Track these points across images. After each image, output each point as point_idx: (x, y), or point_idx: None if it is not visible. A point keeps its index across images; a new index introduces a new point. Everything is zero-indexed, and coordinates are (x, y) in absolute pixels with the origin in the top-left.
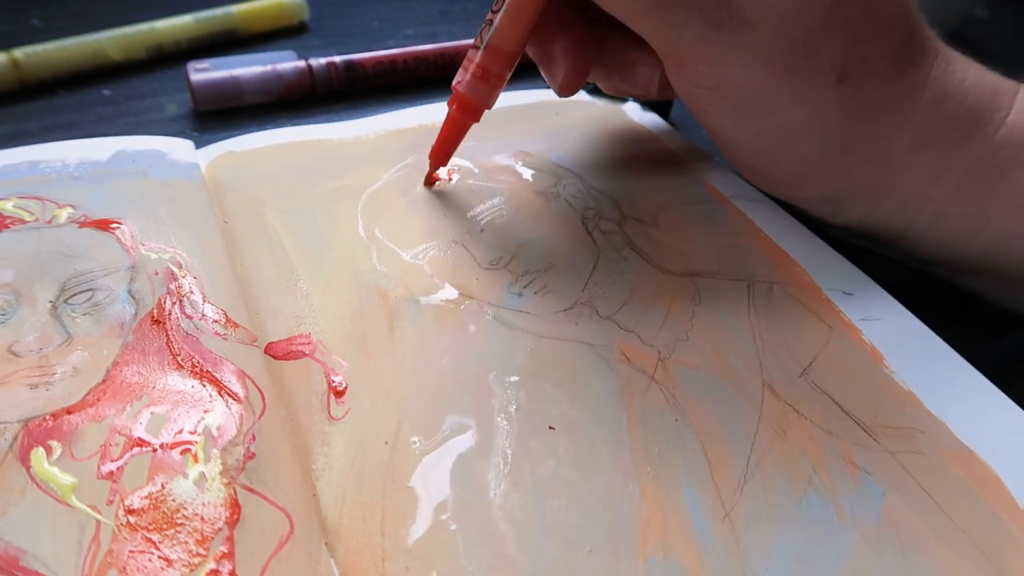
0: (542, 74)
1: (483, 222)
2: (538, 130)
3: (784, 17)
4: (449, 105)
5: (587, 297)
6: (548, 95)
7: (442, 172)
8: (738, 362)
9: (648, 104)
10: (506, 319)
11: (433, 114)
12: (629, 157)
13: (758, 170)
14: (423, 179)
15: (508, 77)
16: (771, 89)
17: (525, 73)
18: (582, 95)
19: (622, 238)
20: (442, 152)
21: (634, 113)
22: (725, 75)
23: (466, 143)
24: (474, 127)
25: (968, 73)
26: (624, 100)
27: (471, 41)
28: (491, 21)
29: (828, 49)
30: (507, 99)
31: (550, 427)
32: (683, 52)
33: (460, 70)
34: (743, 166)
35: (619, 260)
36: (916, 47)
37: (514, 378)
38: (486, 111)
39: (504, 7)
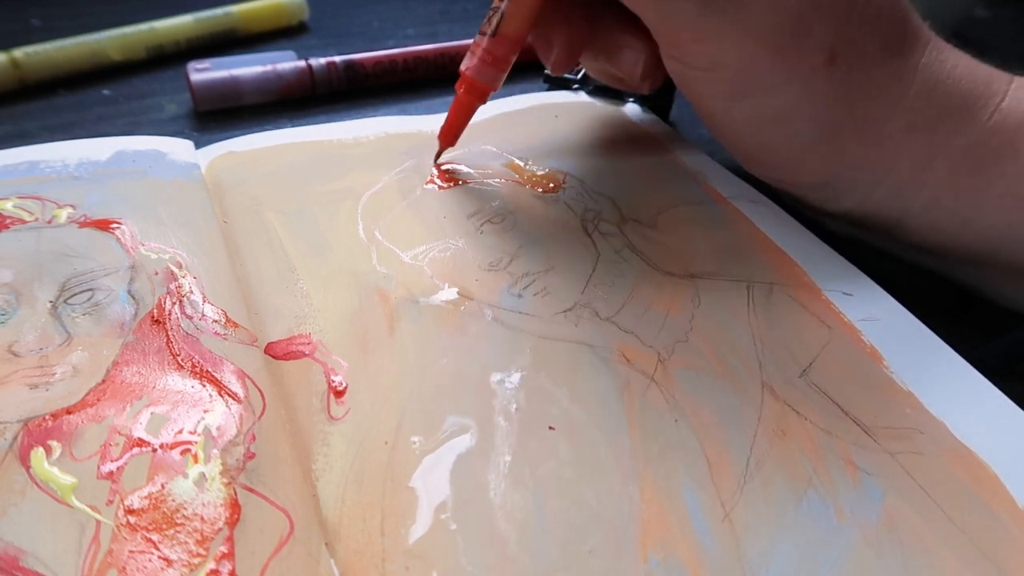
0: (537, 54)
1: (483, 224)
2: (538, 132)
3: None
4: (457, 88)
5: (587, 298)
6: (548, 98)
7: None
8: (738, 363)
9: (647, 105)
10: (506, 320)
11: (435, 123)
12: (628, 159)
13: (752, 155)
14: (427, 175)
15: (513, 61)
16: (763, 69)
17: (525, 73)
18: (582, 96)
19: (621, 240)
20: (451, 133)
21: (633, 115)
22: (719, 55)
23: (466, 145)
24: (475, 130)
25: (960, 62)
26: (624, 101)
27: (471, 41)
28: (497, 8)
29: (818, 30)
30: (507, 102)
31: (550, 427)
32: (679, 30)
33: (468, 55)
34: (737, 151)
35: (619, 262)
36: (906, 34)
37: (514, 379)
38: (481, 104)
39: None
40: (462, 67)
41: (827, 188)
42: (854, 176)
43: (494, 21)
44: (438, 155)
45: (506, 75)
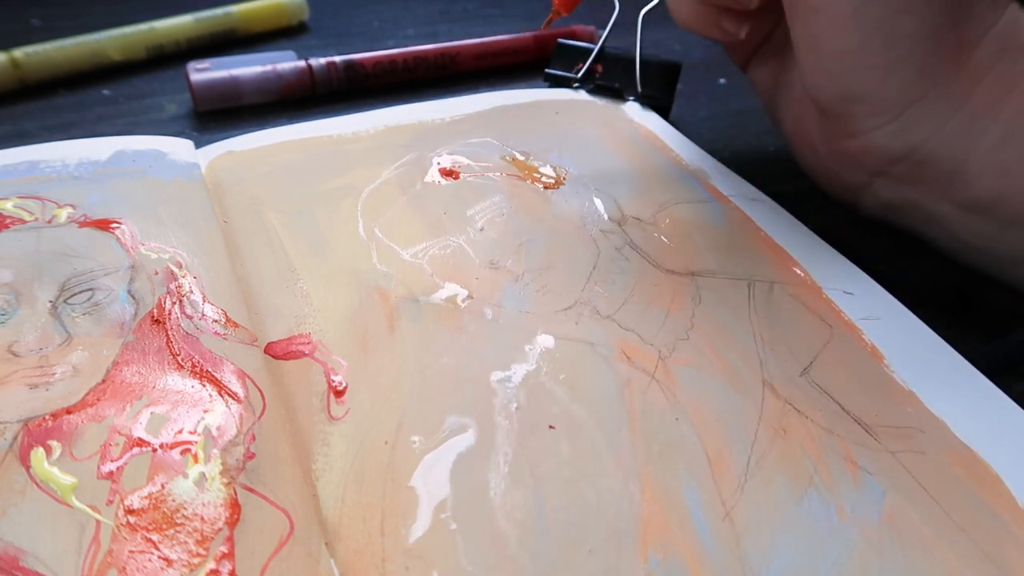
0: None
1: (483, 221)
2: (538, 129)
3: None
4: None
5: (587, 296)
6: (548, 95)
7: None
8: (738, 361)
9: (648, 104)
10: (506, 318)
11: (433, 111)
12: (629, 156)
13: (843, 59)
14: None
15: None
16: None
17: (525, 72)
18: (582, 94)
19: (622, 237)
20: None
21: (634, 113)
22: None
23: (467, 142)
24: (474, 126)
25: None
26: (624, 100)
27: (471, 41)
28: None
29: None
30: (507, 96)
31: (550, 426)
32: None
33: None
34: (827, 56)
35: (619, 259)
36: None
37: (514, 377)
38: None
39: None
40: None
41: (901, 118)
42: (934, 101)
43: None
44: (547, 23)
45: None
